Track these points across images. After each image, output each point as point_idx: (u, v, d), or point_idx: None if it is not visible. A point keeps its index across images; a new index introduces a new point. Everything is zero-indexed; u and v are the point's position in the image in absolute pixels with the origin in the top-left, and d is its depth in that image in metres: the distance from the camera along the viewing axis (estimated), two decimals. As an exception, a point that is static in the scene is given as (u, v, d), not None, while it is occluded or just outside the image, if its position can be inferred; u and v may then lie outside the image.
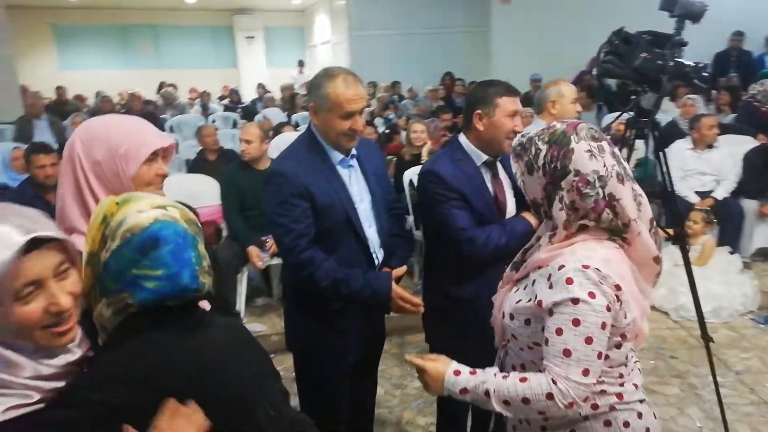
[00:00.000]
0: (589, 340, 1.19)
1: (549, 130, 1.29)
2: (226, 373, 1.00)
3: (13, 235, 0.86)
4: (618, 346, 1.28)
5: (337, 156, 1.91)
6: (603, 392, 1.29)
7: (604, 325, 1.19)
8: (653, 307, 4.03)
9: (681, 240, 2.79)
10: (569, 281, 1.20)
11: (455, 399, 1.37)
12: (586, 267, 1.19)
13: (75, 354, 0.97)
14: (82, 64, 14.06)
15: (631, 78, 2.63)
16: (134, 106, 8.54)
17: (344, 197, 1.90)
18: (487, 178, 2.07)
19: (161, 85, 10.80)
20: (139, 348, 0.95)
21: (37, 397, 0.89)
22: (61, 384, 0.93)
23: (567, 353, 1.19)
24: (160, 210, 0.98)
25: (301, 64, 13.95)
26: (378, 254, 2.00)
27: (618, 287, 1.21)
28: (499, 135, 1.99)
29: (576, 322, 1.19)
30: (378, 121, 7.63)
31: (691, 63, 2.59)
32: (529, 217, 2.02)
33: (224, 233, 4.07)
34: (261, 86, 11.22)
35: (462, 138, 2.11)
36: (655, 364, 3.43)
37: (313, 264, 1.83)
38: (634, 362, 1.40)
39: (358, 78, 1.88)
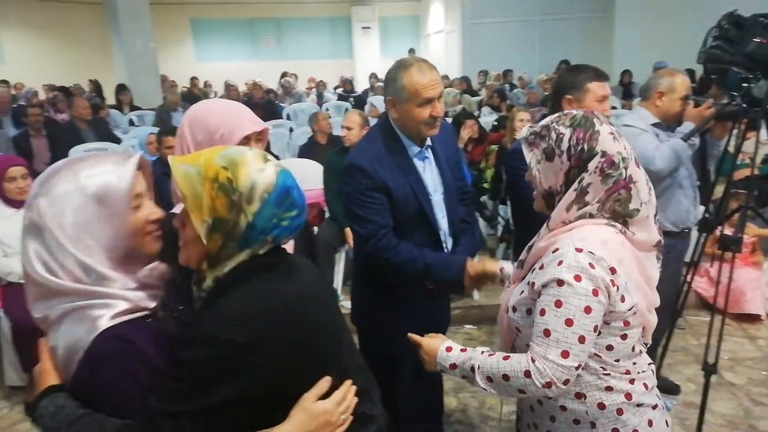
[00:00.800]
0: (569, 322, 1.17)
1: (567, 116, 1.28)
2: (320, 311, 1.15)
3: (125, 157, 1.07)
4: (623, 337, 1.25)
5: (414, 149, 1.95)
6: (610, 389, 1.27)
7: (588, 309, 1.17)
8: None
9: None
10: (559, 263, 1.19)
11: None
12: (579, 250, 1.19)
13: (155, 271, 1.13)
14: (215, 56, 15.20)
15: (741, 64, 2.46)
16: (255, 94, 9.13)
17: (419, 190, 1.93)
18: None
19: (283, 75, 11.43)
20: (264, 288, 1.06)
21: (127, 306, 1.05)
22: (142, 294, 1.08)
23: (547, 333, 1.18)
24: (269, 161, 1.11)
25: (411, 52, 14.07)
26: (447, 243, 2.04)
27: (613, 270, 1.19)
28: None
29: (558, 304, 1.18)
30: (485, 110, 7.57)
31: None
32: None
33: (327, 215, 4.31)
34: (373, 75, 11.50)
35: None
36: (766, 375, 3.19)
37: (389, 249, 1.89)
38: (648, 364, 1.36)
39: (432, 65, 1.89)
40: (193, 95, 9.54)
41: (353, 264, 2.28)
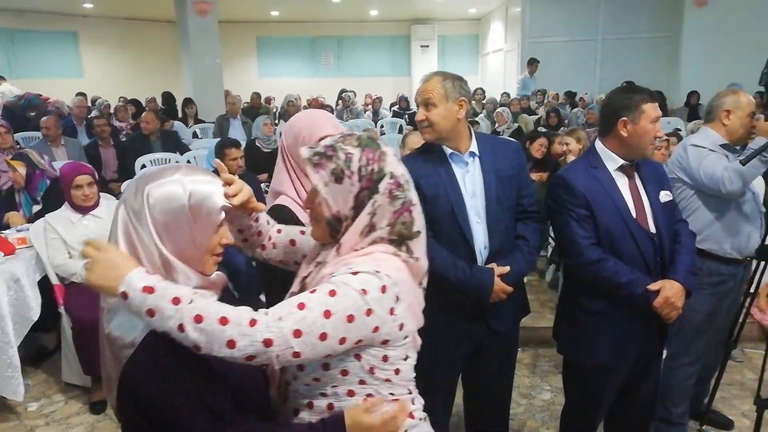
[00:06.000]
0: (327, 314, 1.07)
1: (352, 137, 1.24)
2: None
3: (219, 188, 1.17)
4: (405, 358, 1.22)
5: (448, 150, 2.06)
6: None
7: (350, 318, 1.09)
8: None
9: None
10: (355, 273, 1.13)
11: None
12: (376, 272, 1.13)
13: (213, 278, 1.21)
14: (277, 72, 15.68)
15: (806, 87, 2.35)
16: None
17: (451, 189, 2.01)
18: (621, 184, 2.07)
19: (342, 91, 11.67)
20: None
21: None
22: (207, 293, 1.13)
23: (301, 306, 1.07)
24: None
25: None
26: (482, 251, 2.06)
27: (398, 298, 1.15)
28: (644, 140, 2.02)
29: (332, 293, 1.09)
30: (541, 129, 7.47)
31: None
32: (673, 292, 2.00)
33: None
34: (430, 93, 11.52)
35: (599, 144, 2.13)
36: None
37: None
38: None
39: (437, 74, 2.03)
40: (255, 109, 9.88)
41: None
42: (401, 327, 1.17)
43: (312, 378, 1.21)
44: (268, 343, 1.03)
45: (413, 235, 1.23)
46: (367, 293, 1.10)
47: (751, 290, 2.69)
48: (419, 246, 1.24)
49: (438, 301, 2.07)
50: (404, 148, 3.92)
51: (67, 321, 3.25)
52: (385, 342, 1.17)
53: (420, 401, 1.32)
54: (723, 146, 2.51)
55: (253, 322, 1.03)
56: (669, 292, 1.98)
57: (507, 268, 2.03)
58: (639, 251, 2.02)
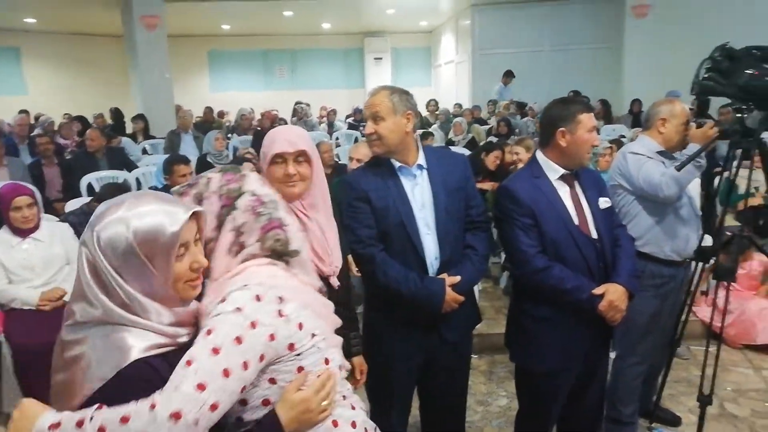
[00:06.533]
0: (215, 351, 1.04)
1: (216, 168, 1.32)
2: None
3: (179, 212, 1.10)
4: (326, 361, 1.21)
5: (396, 163, 2.07)
6: (335, 424, 1.23)
7: (239, 339, 1.06)
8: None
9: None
10: (222, 301, 1.13)
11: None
12: (245, 285, 1.14)
13: (190, 308, 1.17)
14: (230, 86, 15.49)
15: (734, 96, 2.47)
16: (264, 124, 9.28)
17: (400, 202, 2.03)
18: (563, 192, 2.13)
19: (297, 104, 11.62)
20: None
21: (165, 340, 1.10)
22: (181, 330, 1.12)
23: (188, 363, 1.04)
24: None
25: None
26: (433, 262, 2.08)
27: (282, 299, 1.15)
28: (582, 150, 2.10)
29: (208, 332, 1.07)
30: (492, 138, 7.61)
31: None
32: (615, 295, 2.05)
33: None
34: (384, 105, 11.60)
35: (540, 155, 2.19)
36: (771, 408, 3.12)
37: (374, 261, 2.01)
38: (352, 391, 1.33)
39: (382, 89, 2.06)
40: (207, 123, 9.72)
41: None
42: (300, 326, 1.16)
43: (236, 417, 1.19)
44: (176, 415, 0.98)
45: (291, 253, 1.25)
46: (243, 309, 1.10)
47: (691, 289, 2.79)
48: (301, 266, 1.26)
49: (391, 314, 2.11)
50: (352, 161, 3.93)
51: (7, 348, 3.10)
52: (291, 347, 1.15)
53: (361, 406, 1.33)
54: (660, 153, 2.62)
55: (152, 406, 0.99)
56: (613, 295, 2.04)
57: (458, 278, 2.05)
58: (582, 257, 2.08)
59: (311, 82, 15.77)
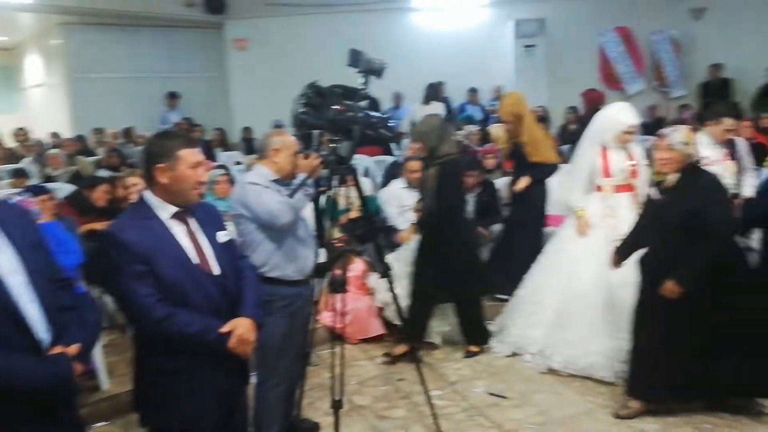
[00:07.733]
0: None
1: None
2: None
3: None
4: None
5: None
6: None
7: None
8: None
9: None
10: None
11: None
12: None
13: None
14: None
15: (326, 128, 2.82)
16: None
17: None
18: (178, 231, 2.04)
19: None
20: None
21: None
22: None
23: None
24: None
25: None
26: (44, 335, 1.74)
27: None
28: (186, 186, 2.02)
29: None
30: (103, 171, 6.95)
31: (378, 114, 2.89)
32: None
33: None
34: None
35: (147, 194, 2.06)
36: (385, 390, 3.65)
37: None
38: None
39: None
40: None
41: None
42: None
43: None
44: None
45: None
46: None
47: (314, 300, 3.04)
48: None
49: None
50: None
51: None
52: None
53: None
54: (275, 181, 2.79)
55: None
56: (240, 330, 2.02)
57: (77, 347, 1.75)
58: (207, 297, 2.03)
59: None
